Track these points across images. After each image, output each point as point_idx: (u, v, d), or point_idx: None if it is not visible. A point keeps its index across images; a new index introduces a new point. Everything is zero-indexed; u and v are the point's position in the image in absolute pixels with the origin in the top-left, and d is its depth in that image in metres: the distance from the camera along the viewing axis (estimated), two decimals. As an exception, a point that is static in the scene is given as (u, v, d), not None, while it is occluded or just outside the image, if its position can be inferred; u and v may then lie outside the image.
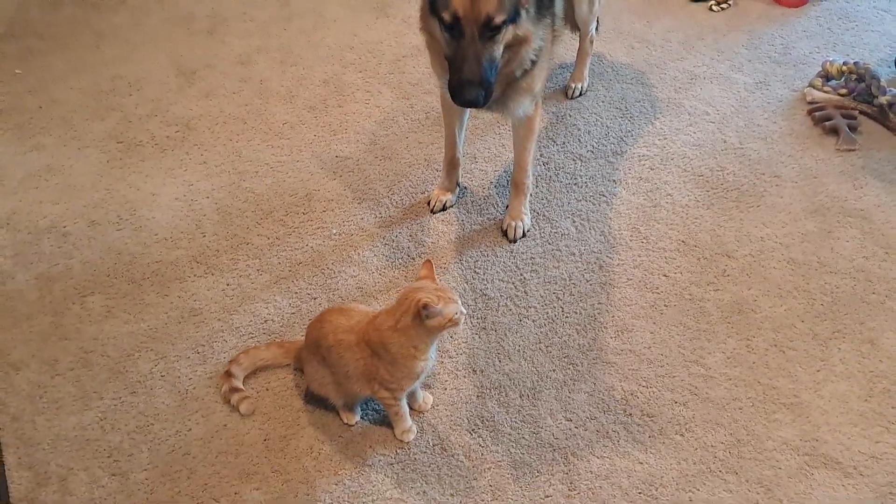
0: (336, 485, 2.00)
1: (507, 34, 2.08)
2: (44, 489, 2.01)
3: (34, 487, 2.01)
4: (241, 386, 2.15)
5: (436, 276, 1.97)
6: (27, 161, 2.95)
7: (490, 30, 2.03)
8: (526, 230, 2.64)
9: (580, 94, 3.19)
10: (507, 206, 2.67)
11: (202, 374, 2.25)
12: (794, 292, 2.46)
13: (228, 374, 2.15)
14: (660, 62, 3.41)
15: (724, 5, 3.76)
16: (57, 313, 2.42)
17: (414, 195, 2.80)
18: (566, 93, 3.20)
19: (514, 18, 2.06)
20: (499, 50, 2.08)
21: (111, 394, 2.21)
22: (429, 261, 1.98)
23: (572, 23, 2.99)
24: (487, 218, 2.72)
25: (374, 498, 1.98)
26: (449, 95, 2.10)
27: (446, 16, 2.02)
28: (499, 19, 2.02)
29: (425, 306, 1.83)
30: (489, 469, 2.05)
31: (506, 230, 2.63)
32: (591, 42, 3.13)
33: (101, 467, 2.06)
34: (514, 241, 2.62)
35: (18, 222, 2.72)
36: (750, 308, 2.42)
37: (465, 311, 1.92)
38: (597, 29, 3.15)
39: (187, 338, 2.35)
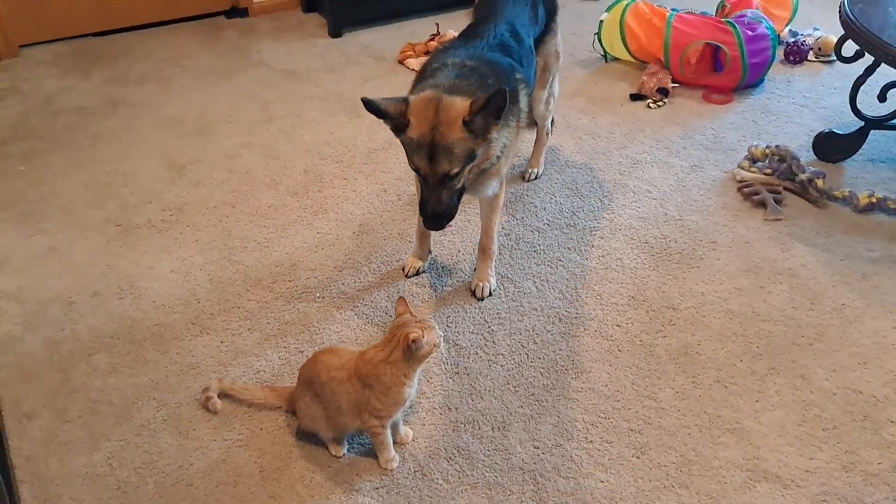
0: (328, 507, 2.21)
1: (468, 168, 2.43)
2: (58, 518, 2.18)
3: (49, 518, 2.19)
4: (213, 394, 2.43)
5: (410, 309, 2.26)
6: (32, 244, 3.21)
7: (449, 178, 2.40)
8: (492, 290, 2.93)
9: (536, 178, 3.59)
10: (475, 269, 2.98)
11: (201, 417, 2.47)
12: (732, 337, 2.77)
13: (206, 389, 2.44)
14: (605, 150, 3.82)
15: (659, 103, 4.21)
16: (65, 370, 2.64)
17: (389, 263, 3.10)
18: (523, 176, 3.59)
19: (472, 158, 2.40)
20: (460, 182, 2.45)
21: (118, 436, 2.41)
22: (402, 298, 2.28)
23: (530, 120, 3.33)
24: (457, 280, 3.02)
25: (364, 516, 2.19)
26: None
27: (411, 165, 2.42)
28: (454, 171, 2.37)
29: (414, 341, 2.10)
30: (465, 491, 2.27)
31: (474, 290, 2.93)
32: (548, 134, 3.56)
33: (111, 499, 2.24)
34: (482, 300, 2.91)
35: (26, 295, 2.95)
36: (695, 351, 2.71)
37: (441, 335, 2.20)
38: (552, 123, 3.60)
39: (186, 388, 2.58)
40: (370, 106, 2.31)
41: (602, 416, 2.49)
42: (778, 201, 3.41)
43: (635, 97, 4.28)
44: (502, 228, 3.28)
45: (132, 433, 2.43)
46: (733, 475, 2.30)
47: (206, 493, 2.24)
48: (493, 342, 2.75)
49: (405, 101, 2.35)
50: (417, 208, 2.59)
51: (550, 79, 3.28)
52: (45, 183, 3.57)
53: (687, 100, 4.23)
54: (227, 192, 3.49)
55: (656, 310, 2.88)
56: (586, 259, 3.13)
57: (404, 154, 2.48)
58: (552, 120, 3.57)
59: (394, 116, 2.33)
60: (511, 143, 2.63)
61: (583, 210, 3.41)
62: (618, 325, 2.82)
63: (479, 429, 2.45)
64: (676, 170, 3.66)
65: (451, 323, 2.83)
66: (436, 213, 2.44)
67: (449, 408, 2.52)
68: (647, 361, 2.67)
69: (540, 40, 3.10)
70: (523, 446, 2.39)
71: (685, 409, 2.51)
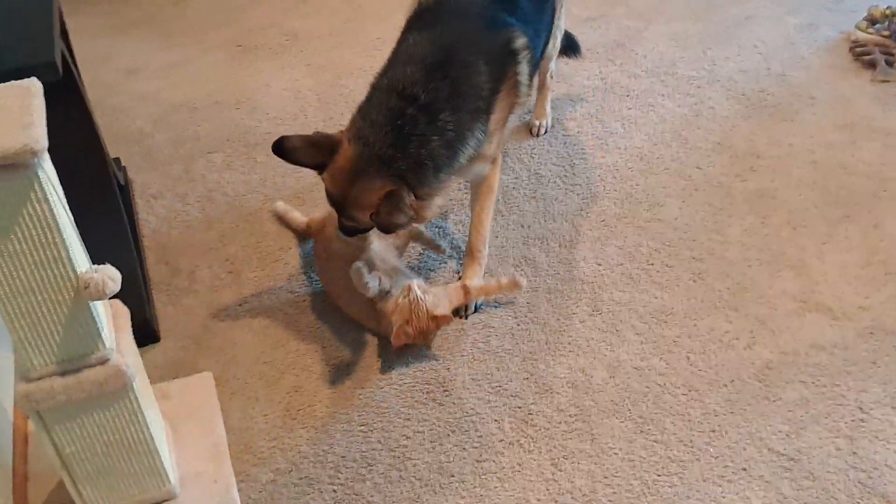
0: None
1: None
2: (176, 277, 2.55)
3: (169, 276, 2.55)
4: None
5: None
6: (164, 56, 3.54)
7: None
8: (479, 304, 2.43)
9: (545, 131, 3.06)
10: (461, 273, 2.51)
11: (302, 212, 2.76)
12: (812, 185, 2.82)
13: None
14: (720, 3, 3.78)
15: (786, -39, 4.07)
16: (187, 163, 2.98)
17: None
18: (530, 130, 3.08)
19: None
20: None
21: (229, 220, 2.74)
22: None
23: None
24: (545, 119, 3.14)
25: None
26: None
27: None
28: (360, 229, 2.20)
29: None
30: (528, 292, 2.49)
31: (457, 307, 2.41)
32: (552, 76, 3.04)
33: (220, 267, 2.58)
34: (466, 317, 2.42)
35: (157, 99, 3.29)
36: (770, 195, 2.79)
37: (416, 282, 2.26)
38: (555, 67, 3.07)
39: (289, 187, 2.87)
40: (280, 152, 2.04)
41: (667, 243, 2.63)
42: (889, 63, 3.33)
43: (760, -46, 4.14)
44: (599, 72, 3.36)
45: (241, 219, 2.75)
46: (785, 303, 2.42)
47: (300, 272, 2.55)
48: (573, 174, 2.90)
49: (336, 143, 2.04)
50: None
51: (557, 12, 2.71)
52: (179, 3, 3.88)
53: (815, -41, 4.07)
54: (340, 23, 3.69)
55: (740, 156, 2.95)
56: (678, 106, 3.19)
57: None
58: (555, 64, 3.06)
59: (309, 166, 2.12)
60: (497, 128, 2.24)
61: (684, 60, 3.44)
62: (698, 167, 2.91)
63: (548, 244, 2.64)
64: (789, 27, 3.60)
65: (535, 154, 2.99)
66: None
67: (522, 225, 2.71)
68: (720, 201, 2.77)
69: None
70: (586, 262, 2.57)
71: (750, 244, 2.61)
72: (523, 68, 2.25)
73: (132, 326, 2.10)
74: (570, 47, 3.10)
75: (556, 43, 2.86)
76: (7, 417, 2.02)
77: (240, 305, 2.46)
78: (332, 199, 2.11)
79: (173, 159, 2.99)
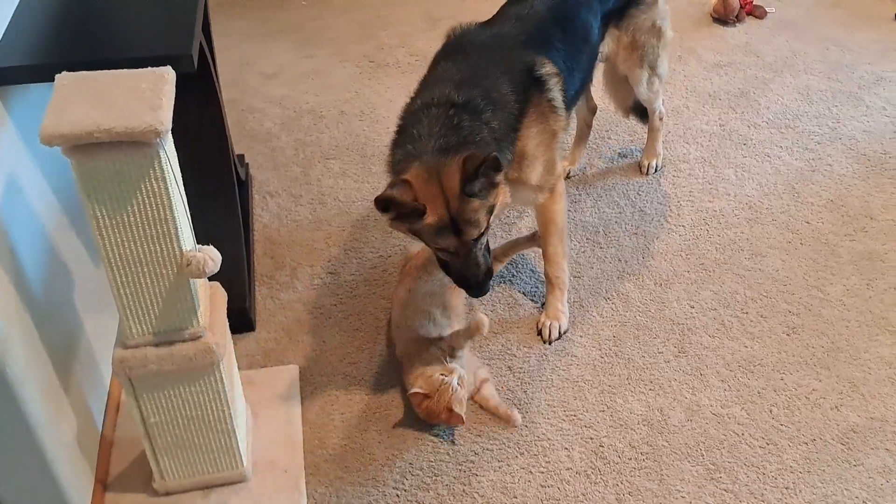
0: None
1: (491, 219, 2.09)
2: (279, 272, 2.69)
3: (273, 270, 2.69)
4: None
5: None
6: (301, 64, 3.74)
7: (479, 240, 2.07)
8: (563, 331, 2.44)
9: (655, 171, 3.05)
10: (544, 304, 2.52)
11: (404, 223, 2.86)
12: (927, 253, 2.71)
13: None
14: (851, 63, 3.69)
15: (929, 24, 3.94)
16: (305, 167, 3.13)
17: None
18: (640, 169, 3.07)
19: (492, 210, 2.06)
20: (486, 237, 2.12)
21: (337, 223, 2.87)
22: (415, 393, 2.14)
23: (633, 110, 3.02)
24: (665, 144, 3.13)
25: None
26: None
27: (435, 247, 2.08)
28: (483, 230, 2.05)
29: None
30: (614, 326, 2.49)
31: (540, 329, 2.45)
32: (661, 118, 3.01)
33: (321, 267, 2.70)
34: (550, 343, 2.43)
35: (288, 103, 3.48)
36: (880, 258, 2.70)
37: (456, 370, 2.15)
38: (663, 104, 3.01)
39: (397, 199, 2.97)
40: (388, 204, 1.94)
41: (764, 294, 2.58)
42: None
43: (903, 16, 4.03)
44: (718, 119, 3.33)
45: (349, 224, 2.87)
46: (879, 369, 2.34)
47: (391, 279, 2.64)
48: (678, 215, 2.89)
49: (407, 183, 1.95)
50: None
51: (649, 57, 2.69)
52: (322, 18, 4.09)
53: (963, 24, 3.92)
54: (467, 48, 3.80)
55: (852, 216, 2.87)
56: (796, 160, 3.13)
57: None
58: (662, 101, 3.01)
59: (411, 209, 1.95)
60: (535, 153, 2.21)
61: (807, 115, 3.37)
62: (807, 222, 2.85)
63: (643, 281, 2.64)
64: (923, 92, 3.48)
65: (642, 192, 2.99)
66: (478, 282, 2.11)
67: (619, 259, 2.72)
68: (825, 258, 2.70)
69: (623, 12, 2.58)
70: (679, 303, 2.56)
71: (851, 305, 2.53)
72: (555, 94, 2.25)
73: (231, 312, 2.23)
74: (643, 110, 3.01)
75: (655, 79, 2.80)
76: (104, 384, 2.17)
77: (334, 306, 2.57)
78: (441, 222, 1.99)
79: (294, 161, 3.16)
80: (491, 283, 2.18)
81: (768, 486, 2.06)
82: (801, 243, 2.76)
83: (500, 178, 2.00)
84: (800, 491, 2.04)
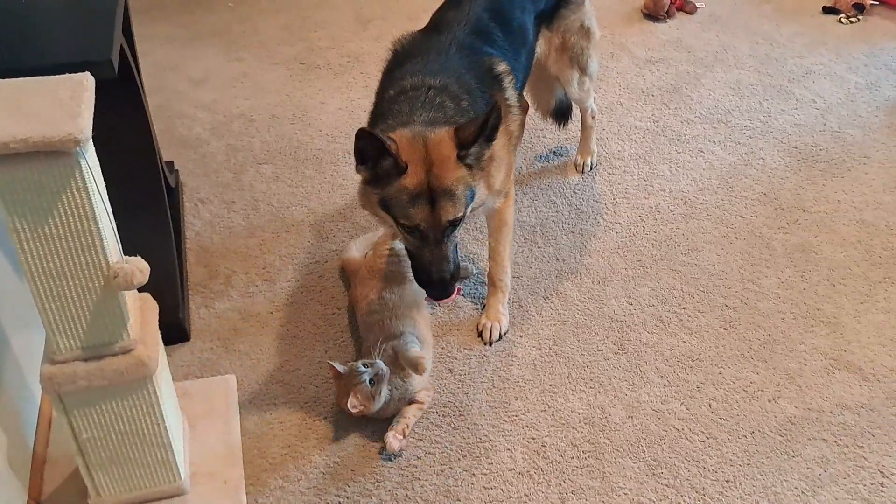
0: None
1: (469, 211, 2.05)
2: (213, 280, 2.62)
3: (206, 279, 2.63)
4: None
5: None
6: (230, 68, 3.66)
7: (453, 227, 2.00)
8: (503, 332, 2.42)
9: (591, 168, 3.05)
10: (484, 306, 2.49)
11: (343, 228, 2.82)
12: (856, 244, 2.77)
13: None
14: (780, 57, 3.76)
15: (853, 19, 4.05)
16: (237, 172, 3.07)
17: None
18: (576, 168, 3.07)
19: (473, 196, 2.01)
20: (459, 231, 2.07)
21: (271, 229, 2.81)
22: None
23: (553, 113, 3.00)
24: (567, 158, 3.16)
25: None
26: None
27: (405, 222, 1.97)
28: (459, 216, 1.98)
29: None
30: (555, 325, 2.49)
31: (481, 331, 2.43)
32: (593, 117, 3.01)
33: (256, 274, 2.65)
34: (490, 344, 2.41)
35: (217, 108, 3.41)
36: (813, 250, 2.75)
37: (380, 367, 2.09)
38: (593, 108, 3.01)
39: (333, 203, 2.94)
40: (371, 139, 1.87)
41: (701, 289, 2.61)
42: (950, 128, 3.27)
43: (828, 10, 4.14)
44: (652, 115, 3.37)
45: (282, 229, 2.82)
46: (815, 360, 2.38)
47: (329, 287, 2.60)
48: (614, 212, 2.91)
49: (391, 141, 1.90)
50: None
51: (579, 58, 2.70)
52: (250, 20, 4.01)
53: (884, 20, 4.04)
54: (402, 48, 3.76)
55: (785, 208, 2.92)
56: (728, 154, 3.18)
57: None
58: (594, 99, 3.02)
59: (393, 162, 1.89)
60: (499, 155, 2.17)
61: (739, 109, 3.43)
62: (741, 216, 2.89)
63: (581, 279, 2.64)
64: (850, 85, 3.57)
65: (578, 190, 3.00)
66: (443, 278, 2.02)
67: (557, 258, 2.72)
68: (760, 251, 2.74)
69: (553, 14, 2.58)
70: (617, 300, 2.57)
71: (786, 297, 2.58)
72: (510, 93, 2.26)
73: (164, 323, 2.16)
74: (562, 113, 3.02)
75: (586, 79, 2.82)
76: (35, 401, 2.09)
77: (270, 313, 2.52)
78: (413, 191, 1.92)
79: (225, 167, 3.09)
80: (453, 287, 2.12)
81: (709, 479, 2.07)
82: (735, 237, 2.79)
83: (492, 147, 1.99)
84: (740, 484, 2.06)
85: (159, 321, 2.14)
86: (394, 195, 1.94)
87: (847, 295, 2.57)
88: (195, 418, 2.15)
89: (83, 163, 1.44)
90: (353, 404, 2.06)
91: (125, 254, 1.63)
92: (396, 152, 1.89)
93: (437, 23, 2.35)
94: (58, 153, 1.40)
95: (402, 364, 2.15)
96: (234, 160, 3.12)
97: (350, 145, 3.16)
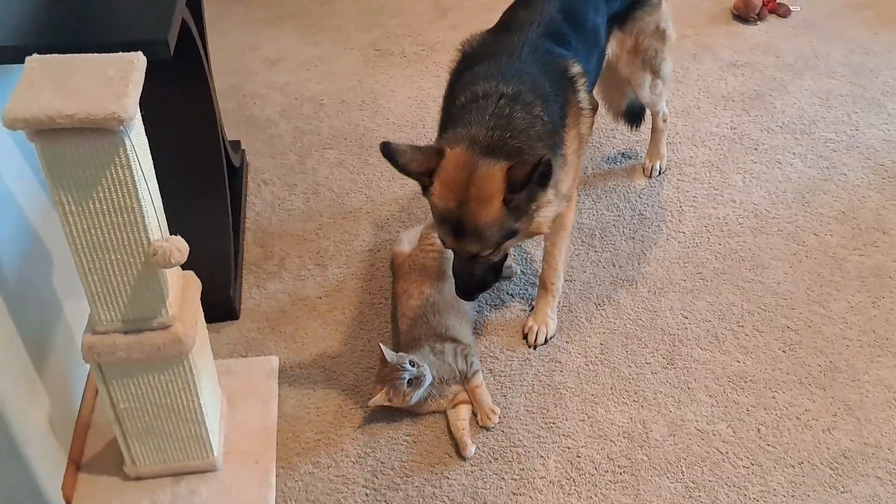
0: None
1: (507, 244, 2.01)
2: (267, 261, 2.65)
3: (261, 259, 2.66)
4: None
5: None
6: (305, 51, 3.69)
7: (481, 257, 1.99)
8: (549, 336, 2.38)
9: (660, 173, 2.96)
10: (532, 308, 2.45)
11: (399, 217, 2.81)
12: (937, 273, 2.61)
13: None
14: (875, 68, 3.57)
15: (960, 31, 3.81)
16: (302, 155, 3.09)
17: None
18: (643, 171, 2.98)
19: (512, 234, 1.95)
20: (497, 257, 2.04)
21: (328, 214, 2.83)
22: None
23: (625, 115, 2.91)
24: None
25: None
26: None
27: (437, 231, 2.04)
28: (485, 254, 1.96)
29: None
30: (603, 333, 2.43)
31: (526, 333, 2.39)
32: (665, 120, 2.91)
33: (310, 258, 2.66)
34: (535, 347, 2.37)
35: (290, 90, 3.44)
36: (889, 275, 2.60)
37: (425, 373, 2.09)
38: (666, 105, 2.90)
39: (392, 192, 2.93)
40: (388, 153, 1.85)
41: (762, 307, 2.50)
42: None
43: (934, 20, 3.90)
44: (730, 121, 3.24)
45: (339, 215, 2.83)
46: (879, 392, 2.26)
47: (384, 274, 2.59)
48: (679, 220, 2.81)
49: (439, 153, 1.88)
50: None
51: (652, 61, 2.61)
52: (329, 3, 4.03)
53: None
54: (478, 39, 3.72)
55: (863, 229, 2.77)
56: (808, 167, 3.04)
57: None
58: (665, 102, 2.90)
59: (415, 175, 1.90)
60: (571, 159, 2.13)
61: (825, 120, 3.27)
62: (815, 234, 2.76)
63: (636, 288, 2.57)
64: (950, 101, 3.36)
65: (643, 195, 2.92)
66: (465, 290, 2.08)
67: (614, 264, 2.65)
68: (831, 272, 2.61)
69: (627, 14, 2.49)
70: (672, 313, 2.49)
71: (853, 323, 2.45)
72: (583, 96, 2.19)
73: (215, 302, 2.21)
74: (634, 115, 2.93)
75: (659, 82, 2.72)
76: (84, 368, 2.15)
77: (319, 298, 2.53)
78: (447, 213, 1.90)
79: (291, 150, 3.12)
80: (479, 294, 2.17)
81: (749, 508, 1.99)
82: (806, 256, 2.67)
83: (545, 195, 1.92)
84: (781, 515, 1.97)
85: (209, 299, 2.19)
86: (431, 201, 1.95)
87: (920, 326, 2.43)
88: (235, 397, 2.18)
89: (127, 141, 1.46)
90: (383, 398, 2.06)
91: (179, 232, 1.65)
92: (419, 169, 1.89)
93: (508, 23, 2.26)
94: (102, 131, 1.43)
95: (448, 365, 2.14)
96: (300, 143, 3.15)
97: (415, 135, 3.18)
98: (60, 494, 1.91)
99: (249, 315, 2.48)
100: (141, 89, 1.49)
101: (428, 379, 2.10)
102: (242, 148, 3.03)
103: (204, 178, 2.44)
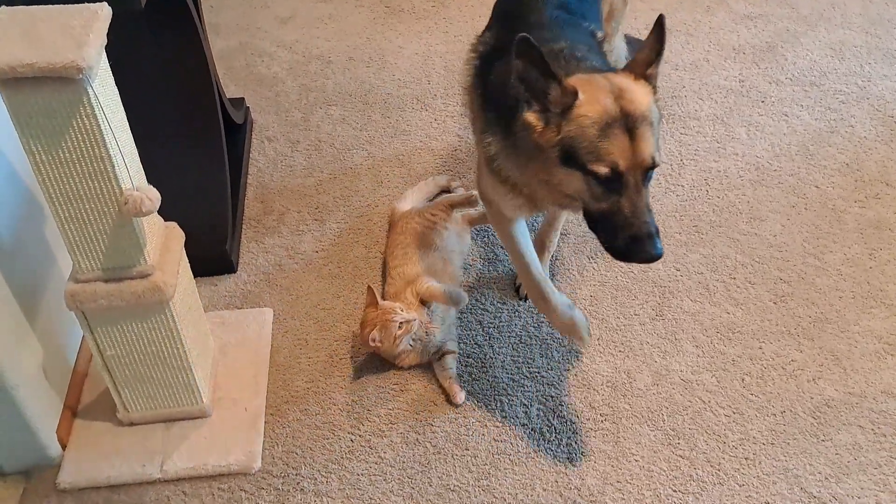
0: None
1: None
2: (267, 216, 2.70)
3: (261, 214, 2.71)
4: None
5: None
6: (316, 9, 3.70)
7: (651, 170, 1.68)
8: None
9: None
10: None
11: (398, 174, 2.84)
12: (940, 224, 2.56)
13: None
14: (893, 18, 3.47)
15: None
16: (307, 112, 3.12)
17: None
18: None
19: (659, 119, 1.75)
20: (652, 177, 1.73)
21: (329, 169, 2.86)
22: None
23: None
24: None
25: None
26: (612, 252, 1.74)
27: (601, 168, 1.62)
28: (657, 154, 1.67)
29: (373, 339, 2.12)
30: (594, 285, 2.44)
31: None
32: None
33: (309, 213, 2.71)
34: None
35: (298, 48, 3.46)
36: (889, 227, 2.57)
37: (414, 318, 2.12)
38: None
39: (394, 148, 2.95)
40: (530, 50, 1.59)
41: (756, 260, 2.49)
42: None
43: (959, -32, 3.76)
44: (739, 74, 3.20)
45: (340, 171, 2.86)
46: (867, 343, 2.24)
47: (380, 227, 2.63)
48: (679, 174, 2.80)
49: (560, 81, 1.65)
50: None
51: (615, 28, 2.49)
52: (341, -38, 4.02)
53: None
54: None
55: (867, 181, 2.73)
56: (815, 119, 2.99)
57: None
58: None
59: (557, 76, 1.62)
60: None
61: (836, 72, 3.20)
62: (816, 186, 2.72)
63: (631, 240, 2.56)
64: (968, 51, 3.26)
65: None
66: (650, 232, 1.66)
67: (611, 217, 2.65)
68: (829, 225, 2.58)
69: None
70: (664, 265, 2.49)
71: (848, 275, 2.43)
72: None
73: (213, 255, 2.27)
74: None
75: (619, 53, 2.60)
76: (81, 319, 2.22)
77: (316, 252, 2.58)
78: (603, 121, 1.62)
79: (296, 107, 3.15)
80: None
81: (727, 455, 2.01)
82: (805, 208, 2.64)
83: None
84: (760, 462, 1.99)
85: (207, 252, 2.26)
86: (576, 132, 1.62)
87: (917, 277, 2.40)
88: (227, 346, 2.25)
89: (90, 90, 1.50)
90: (374, 337, 2.10)
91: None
92: (558, 73, 1.62)
93: (514, 9, 2.14)
94: (64, 80, 1.47)
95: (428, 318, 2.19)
96: (305, 100, 3.18)
97: (421, 91, 3.19)
98: (55, 437, 2.00)
99: (247, 268, 2.54)
100: (105, 39, 1.53)
101: (416, 325, 2.14)
102: (247, 105, 3.07)
103: (201, 135, 2.49)
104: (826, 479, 1.94)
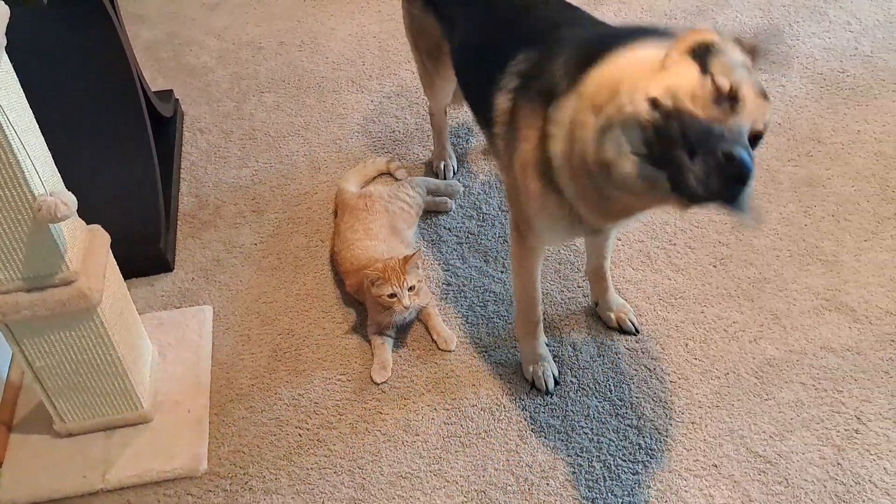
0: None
1: None
2: (202, 210, 2.65)
3: (196, 209, 2.65)
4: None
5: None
6: (244, -7, 3.62)
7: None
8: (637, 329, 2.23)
9: None
10: (607, 299, 2.25)
11: (336, 158, 2.79)
12: (869, 178, 2.60)
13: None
14: (820, -26, 3.50)
15: (909, -70, 3.71)
16: (239, 101, 3.06)
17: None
18: None
19: None
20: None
21: (264, 159, 2.81)
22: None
23: None
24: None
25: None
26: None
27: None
28: None
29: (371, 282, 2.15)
30: (538, 260, 2.43)
31: (620, 324, 2.24)
32: None
33: (246, 205, 2.66)
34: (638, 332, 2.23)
35: (227, 35, 3.39)
36: (821, 184, 2.59)
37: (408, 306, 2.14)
38: None
39: (330, 133, 2.90)
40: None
41: (695, 224, 2.50)
42: None
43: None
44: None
45: (276, 160, 2.81)
46: (805, 300, 2.27)
47: (320, 215, 2.59)
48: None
49: None
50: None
51: None
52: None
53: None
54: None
55: (799, 140, 2.75)
56: (747, 80, 3.00)
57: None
58: None
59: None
60: None
61: (764, 32, 3.22)
62: (751, 147, 2.73)
63: (571, 213, 2.56)
64: (892, 5, 3.30)
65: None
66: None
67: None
68: (764, 185, 2.60)
69: None
70: (606, 235, 2.48)
71: (784, 234, 2.45)
72: None
73: (146, 254, 2.21)
74: None
75: None
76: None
77: (255, 244, 2.53)
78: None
79: (228, 96, 3.09)
80: None
81: (674, 420, 2.02)
82: (740, 169, 2.65)
83: None
84: (706, 426, 2.01)
85: (140, 252, 2.20)
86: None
87: (851, 232, 2.43)
88: (166, 348, 2.20)
89: (-11, 96, 1.44)
90: (352, 282, 2.22)
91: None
92: None
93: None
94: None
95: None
96: (237, 89, 3.12)
97: (355, 73, 3.14)
98: (-11, 456, 1.94)
99: (184, 266, 2.48)
100: (4, 39, 1.46)
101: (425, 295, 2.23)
102: (176, 97, 2.99)
103: (125, 131, 2.42)
104: (770, 437, 1.97)
